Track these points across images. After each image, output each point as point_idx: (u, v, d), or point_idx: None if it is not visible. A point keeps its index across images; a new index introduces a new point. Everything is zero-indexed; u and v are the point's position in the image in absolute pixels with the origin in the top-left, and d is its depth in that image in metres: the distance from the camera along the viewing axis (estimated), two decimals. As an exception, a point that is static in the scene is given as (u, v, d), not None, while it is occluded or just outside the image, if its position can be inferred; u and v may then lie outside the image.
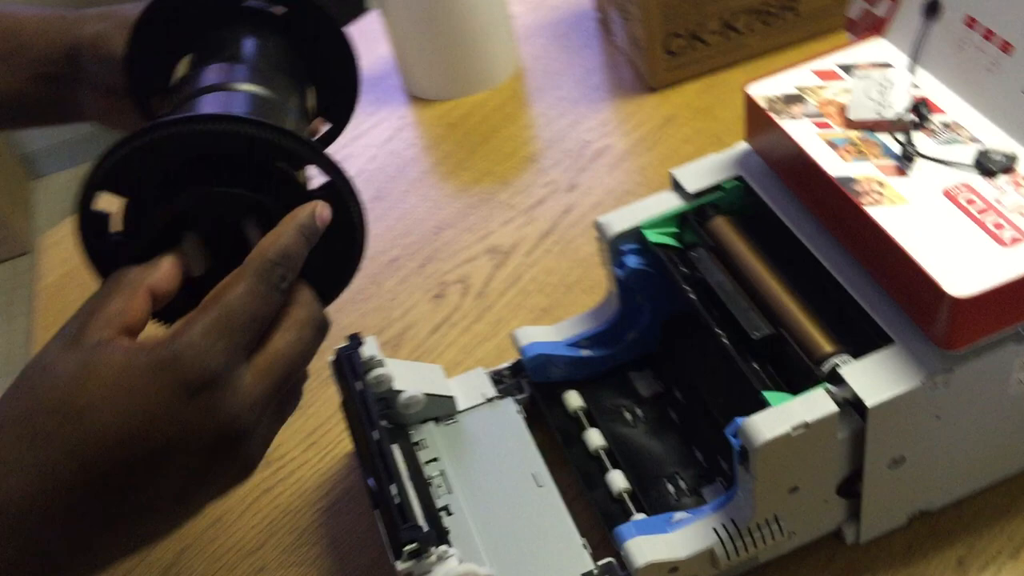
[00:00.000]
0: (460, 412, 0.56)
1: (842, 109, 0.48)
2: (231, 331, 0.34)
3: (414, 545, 0.42)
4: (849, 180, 0.45)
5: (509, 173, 0.77)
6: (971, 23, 0.47)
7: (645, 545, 0.46)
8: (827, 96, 0.49)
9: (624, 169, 0.75)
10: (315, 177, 0.40)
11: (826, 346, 0.45)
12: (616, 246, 0.53)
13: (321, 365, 0.63)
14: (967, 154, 0.45)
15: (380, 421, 0.49)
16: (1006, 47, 0.45)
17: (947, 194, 0.44)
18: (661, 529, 0.47)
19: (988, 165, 0.44)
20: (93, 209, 0.38)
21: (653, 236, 0.53)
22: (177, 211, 0.38)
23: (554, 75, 0.86)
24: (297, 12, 0.45)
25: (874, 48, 0.51)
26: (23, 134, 2.16)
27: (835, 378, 0.43)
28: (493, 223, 0.73)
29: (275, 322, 0.36)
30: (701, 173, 0.53)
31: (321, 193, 0.39)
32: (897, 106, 0.47)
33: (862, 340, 0.44)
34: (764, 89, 0.51)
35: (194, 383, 0.33)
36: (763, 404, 0.44)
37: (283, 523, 0.57)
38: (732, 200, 0.52)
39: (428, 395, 0.54)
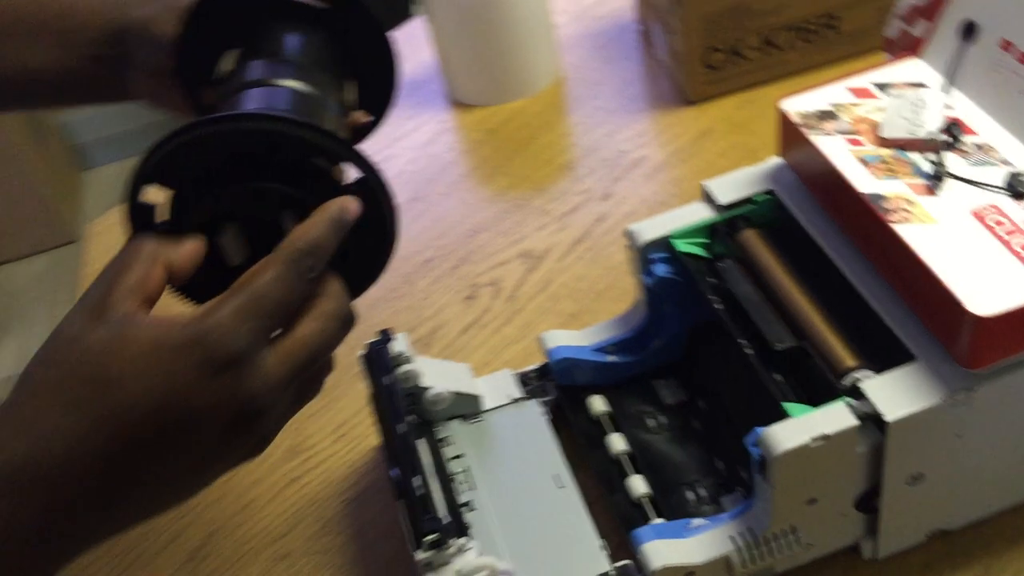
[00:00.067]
0: (486, 411, 0.57)
1: (875, 127, 0.49)
2: (257, 315, 0.35)
3: (434, 536, 0.43)
4: (878, 197, 0.46)
5: (545, 180, 0.78)
6: (1007, 46, 0.47)
7: (662, 548, 0.46)
8: (860, 114, 0.50)
9: (659, 180, 0.76)
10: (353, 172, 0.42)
11: (848, 360, 0.45)
12: (645, 254, 0.54)
13: (352, 360, 0.64)
14: (998, 176, 0.45)
15: (407, 416, 0.51)
16: (1041, 71, 0.46)
17: (976, 215, 0.44)
18: (679, 534, 0.47)
19: (1019, 187, 0.44)
20: (141, 200, 0.40)
21: (682, 246, 0.53)
22: (219, 204, 0.39)
23: (594, 85, 0.87)
24: (340, 8, 0.47)
25: (910, 68, 0.52)
26: (76, 126, 2.22)
27: (856, 392, 0.44)
28: (527, 228, 0.74)
29: (302, 311, 0.38)
30: (733, 186, 0.54)
31: (355, 189, 0.40)
32: (930, 126, 0.47)
33: (885, 356, 0.45)
34: (798, 105, 0.51)
35: (219, 361, 0.34)
36: (784, 415, 0.44)
37: (309, 512, 0.58)
38: (762, 213, 0.53)
39: (455, 393, 0.55)
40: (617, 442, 0.54)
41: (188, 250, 0.38)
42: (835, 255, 0.49)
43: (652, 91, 0.85)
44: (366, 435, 0.62)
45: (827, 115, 0.50)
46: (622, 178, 0.77)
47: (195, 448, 0.36)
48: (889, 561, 0.49)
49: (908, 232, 0.44)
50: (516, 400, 0.57)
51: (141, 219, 0.40)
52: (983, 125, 0.48)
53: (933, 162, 0.46)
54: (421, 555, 0.43)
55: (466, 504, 0.51)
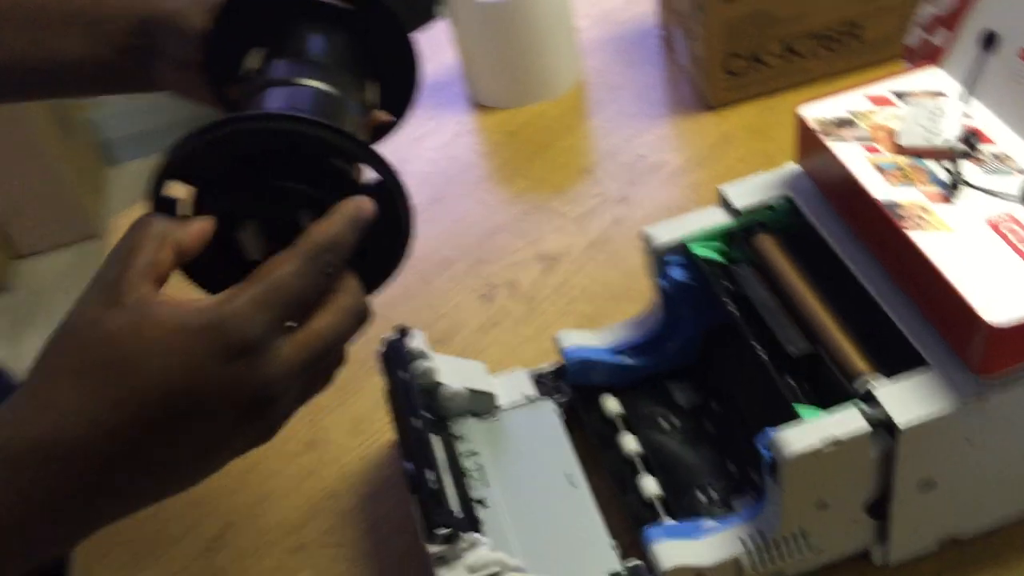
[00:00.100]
0: (500, 409, 0.57)
1: (892, 134, 0.49)
2: (274, 305, 0.36)
3: (447, 530, 0.44)
4: (894, 204, 0.46)
5: (564, 182, 0.79)
6: (1026, 56, 0.48)
7: (673, 549, 0.47)
8: (878, 121, 0.50)
9: (677, 184, 0.76)
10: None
11: (861, 365, 0.46)
12: (661, 257, 0.55)
13: (369, 355, 0.65)
14: (1014, 185, 0.45)
15: (422, 411, 0.51)
16: (1060, 81, 0.46)
17: (991, 223, 0.44)
18: (689, 535, 0.48)
19: (1035, 197, 0.45)
20: (163, 195, 0.41)
21: (698, 250, 0.54)
22: (240, 201, 0.40)
23: (614, 89, 0.87)
24: (363, 9, 0.48)
25: (929, 77, 0.52)
26: (103, 122, 2.24)
27: (869, 397, 0.44)
28: (545, 230, 0.75)
29: (319, 304, 0.39)
30: (750, 191, 0.54)
31: (373, 189, 0.41)
32: (947, 134, 0.48)
33: (898, 362, 0.45)
34: (816, 111, 0.52)
35: (235, 347, 0.35)
36: (795, 418, 0.45)
37: (325, 505, 0.59)
38: (779, 219, 0.53)
39: (470, 390, 0.55)
40: (630, 442, 0.55)
41: (196, 230, 0.39)
42: (850, 261, 0.49)
43: (673, 96, 0.85)
44: (382, 430, 0.62)
45: (845, 122, 0.51)
46: (640, 182, 0.77)
47: (208, 431, 0.37)
48: (900, 568, 0.49)
49: (923, 239, 0.44)
50: (530, 399, 0.58)
51: (164, 213, 0.41)
52: (1001, 134, 0.48)
53: (949, 170, 0.46)
54: (433, 549, 0.44)
55: (479, 500, 0.52)
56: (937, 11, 0.52)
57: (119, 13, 0.51)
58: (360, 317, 0.40)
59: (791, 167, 0.54)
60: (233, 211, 0.40)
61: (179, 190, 0.41)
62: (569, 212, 0.76)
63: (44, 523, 0.36)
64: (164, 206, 0.41)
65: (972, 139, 0.47)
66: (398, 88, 0.51)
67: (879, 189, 0.47)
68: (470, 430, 0.56)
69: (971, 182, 0.46)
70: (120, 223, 0.87)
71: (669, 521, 0.50)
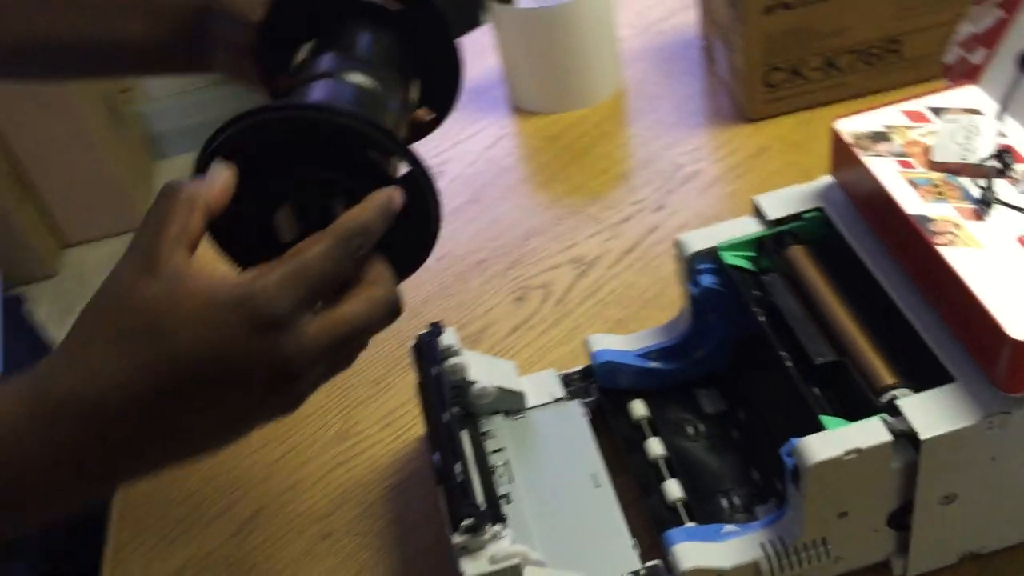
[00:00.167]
0: (529, 408, 0.58)
1: (927, 150, 0.50)
2: (302, 284, 0.38)
3: (471, 521, 0.45)
4: (926, 219, 0.46)
5: (600, 189, 0.80)
6: (1064, 77, 0.48)
7: (693, 551, 0.47)
8: (913, 137, 0.51)
9: (712, 194, 0.77)
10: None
11: (887, 378, 0.46)
12: (693, 264, 0.55)
13: (403, 352, 0.67)
14: (1047, 204, 0.46)
15: (452, 407, 0.52)
16: (1097, 103, 0.46)
17: (1022, 241, 0.44)
18: (710, 538, 0.48)
19: (1067, 217, 0.45)
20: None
21: (729, 258, 0.54)
22: (277, 186, 0.42)
23: (654, 98, 0.88)
24: (413, 9, 0.50)
25: (966, 94, 0.52)
26: (153, 116, 2.29)
27: (893, 409, 0.45)
28: (580, 235, 0.76)
29: (353, 292, 0.40)
30: (783, 202, 0.55)
31: (403, 182, 0.42)
32: (981, 152, 0.48)
33: (923, 375, 0.45)
34: (852, 125, 0.52)
35: (263, 321, 0.37)
36: (820, 428, 0.45)
37: (353, 495, 0.61)
38: (811, 230, 0.54)
39: (500, 388, 0.56)
40: (655, 446, 0.55)
41: (221, 183, 0.40)
42: (880, 274, 0.49)
43: (711, 107, 0.86)
44: (412, 425, 0.64)
45: (880, 136, 0.51)
46: (676, 191, 0.78)
47: (231, 399, 0.38)
48: (919, 580, 0.50)
49: (953, 255, 0.44)
50: (558, 399, 0.59)
51: None
52: (1036, 154, 0.48)
53: (982, 188, 0.47)
54: (457, 539, 0.45)
55: (504, 496, 0.53)
56: (976, 30, 0.52)
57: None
58: (390, 310, 0.42)
59: (825, 180, 0.55)
60: (271, 194, 0.42)
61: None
62: (605, 218, 0.77)
63: (69, 476, 0.38)
64: None
65: (1006, 157, 0.48)
66: (441, 88, 0.52)
67: (911, 204, 0.47)
68: (498, 427, 0.57)
69: (1004, 200, 0.46)
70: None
71: (691, 524, 0.51)
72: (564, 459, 0.56)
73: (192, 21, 0.53)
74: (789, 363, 0.49)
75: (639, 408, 0.58)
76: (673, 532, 0.49)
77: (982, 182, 0.47)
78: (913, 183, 0.48)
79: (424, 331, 0.56)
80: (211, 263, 0.39)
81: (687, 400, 0.59)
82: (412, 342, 0.57)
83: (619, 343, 0.59)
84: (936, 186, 0.48)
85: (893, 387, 0.46)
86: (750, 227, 0.55)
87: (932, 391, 0.44)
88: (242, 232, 0.43)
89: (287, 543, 0.59)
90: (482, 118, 0.90)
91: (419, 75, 0.51)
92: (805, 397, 0.47)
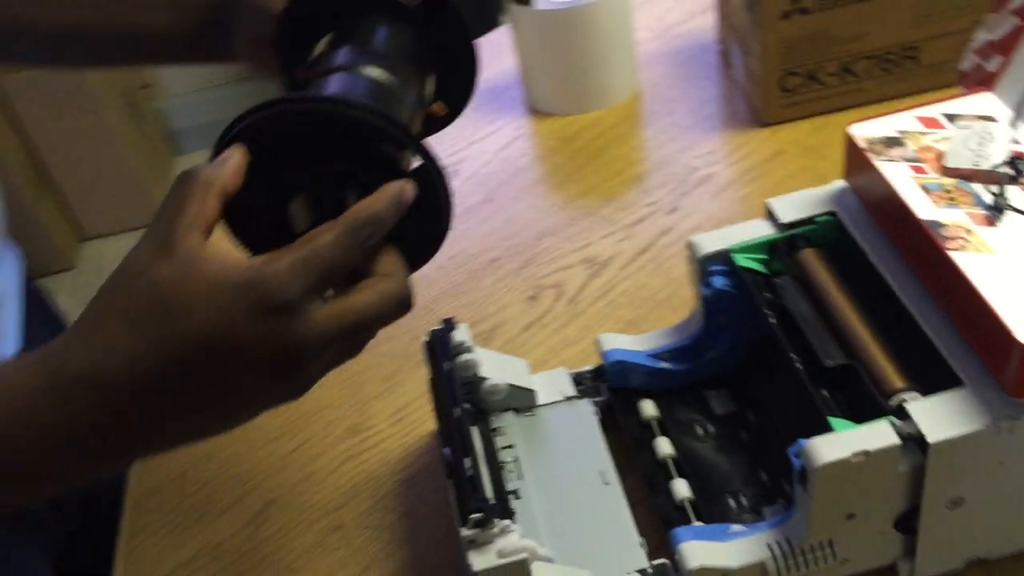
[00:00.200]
0: (539, 406, 0.59)
1: (940, 156, 0.50)
2: (312, 270, 0.39)
3: (480, 515, 0.45)
4: (937, 224, 0.47)
5: (614, 190, 0.80)
6: (1079, 85, 0.48)
7: (700, 550, 0.48)
8: (927, 142, 0.51)
9: (726, 198, 0.77)
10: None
11: (896, 381, 0.46)
12: (705, 266, 0.56)
13: (415, 348, 0.67)
14: (1059, 211, 0.46)
15: (463, 403, 0.53)
16: (1112, 111, 0.46)
17: (1033, 247, 0.45)
18: (717, 537, 0.49)
19: (1079, 224, 0.45)
20: None
21: (741, 260, 0.55)
22: (292, 177, 0.43)
23: (669, 101, 0.88)
24: (429, 5, 0.50)
25: (981, 101, 0.53)
26: (172, 112, 2.31)
27: (901, 413, 0.45)
28: (593, 235, 0.76)
29: (364, 284, 0.41)
30: (796, 205, 0.55)
31: (416, 175, 0.43)
32: (994, 158, 0.48)
33: (933, 379, 0.45)
34: (866, 130, 0.53)
35: (271, 305, 0.38)
36: (829, 429, 0.45)
37: (364, 488, 0.61)
38: (823, 234, 0.54)
39: (511, 386, 0.57)
40: (664, 446, 0.56)
41: (233, 164, 0.41)
42: (891, 278, 0.50)
43: (727, 111, 0.86)
44: (423, 420, 0.64)
45: (893, 141, 0.51)
46: (690, 193, 0.78)
47: (239, 381, 0.39)
48: (925, 584, 0.50)
49: (963, 260, 0.45)
50: (569, 398, 0.59)
51: None
52: (1050, 161, 0.48)
53: (995, 194, 0.47)
54: (466, 532, 0.46)
55: (513, 492, 0.53)
56: (992, 37, 0.52)
57: None
58: (400, 304, 0.42)
59: (838, 184, 0.55)
60: (285, 185, 0.43)
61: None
62: (618, 219, 0.77)
63: (81, 449, 0.39)
64: None
65: (1019, 164, 0.48)
66: (456, 84, 0.53)
67: (923, 208, 0.47)
68: (508, 424, 0.57)
69: (1016, 206, 0.46)
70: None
71: (698, 523, 0.51)
72: (573, 457, 0.56)
73: (217, 11, 0.55)
74: (799, 365, 0.49)
75: (649, 408, 0.58)
76: (680, 531, 0.49)
77: (994, 188, 0.47)
78: (925, 188, 0.49)
79: (437, 327, 0.57)
80: (225, 248, 0.40)
81: (697, 401, 0.59)
82: (425, 338, 0.57)
83: (630, 343, 0.59)
84: (948, 191, 0.48)
85: (902, 390, 0.46)
86: (763, 230, 0.56)
87: (941, 395, 0.44)
88: (257, 222, 0.43)
89: (298, 534, 0.60)
90: (498, 118, 0.90)
91: (435, 70, 0.52)
92: (814, 399, 0.48)
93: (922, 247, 0.47)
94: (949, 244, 0.46)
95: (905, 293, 0.49)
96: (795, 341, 0.50)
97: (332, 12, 0.51)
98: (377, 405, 0.66)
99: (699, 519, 0.52)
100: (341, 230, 0.40)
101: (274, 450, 0.65)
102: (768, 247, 0.55)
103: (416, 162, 0.44)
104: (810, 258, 0.53)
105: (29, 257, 0.73)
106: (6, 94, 1.92)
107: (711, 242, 0.56)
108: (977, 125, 0.50)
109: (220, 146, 0.42)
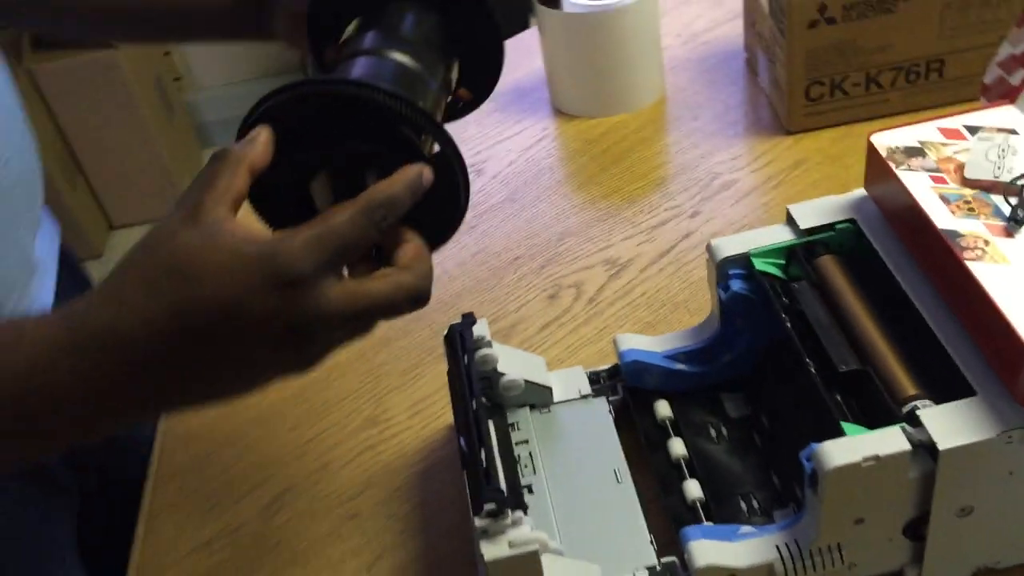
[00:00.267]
0: (555, 403, 0.59)
1: (960, 167, 0.50)
2: (326, 247, 0.40)
3: (493, 505, 0.46)
4: (955, 234, 0.47)
5: (637, 193, 0.81)
6: (1102, 100, 0.48)
7: (709, 548, 0.48)
8: (948, 153, 0.51)
9: (748, 204, 0.77)
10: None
11: (909, 388, 0.47)
12: (724, 269, 0.56)
13: (435, 342, 0.68)
14: (1078, 225, 0.46)
15: (480, 396, 0.54)
16: None
17: (1050, 260, 0.45)
18: (726, 537, 0.49)
19: (1097, 238, 0.45)
20: None
21: (760, 264, 0.55)
22: (315, 156, 0.44)
23: (695, 107, 0.89)
24: None
25: (1002, 114, 0.53)
26: (202, 105, 2.34)
27: (913, 419, 0.45)
28: (614, 237, 0.77)
29: (383, 272, 0.42)
30: (816, 212, 0.56)
31: (434, 159, 0.44)
32: (1015, 171, 0.48)
33: (945, 387, 0.46)
34: (888, 139, 0.53)
35: (284, 278, 0.39)
36: (841, 434, 0.46)
37: (381, 478, 0.62)
38: (842, 241, 0.55)
39: (528, 382, 0.58)
40: (678, 446, 0.56)
41: (261, 141, 0.42)
42: (908, 286, 0.50)
43: (752, 118, 0.87)
44: (441, 413, 0.65)
45: (914, 151, 0.52)
46: (712, 198, 0.79)
47: (247, 348, 0.40)
48: (933, 592, 0.50)
49: (980, 270, 0.45)
50: (585, 396, 0.60)
51: None
52: (1070, 175, 0.49)
53: (1013, 206, 0.47)
54: (479, 522, 0.46)
55: (527, 486, 0.54)
56: (1015, 52, 0.53)
57: None
58: (415, 298, 0.43)
59: (858, 192, 0.56)
60: (308, 163, 0.44)
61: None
62: (640, 222, 0.78)
63: (97, 404, 0.40)
64: None
65: (1039, 177, 0.48)
66: (481, 71, 0.54)
67: (942, 218, 0.48)
68: (524, 420, 0.58)
69: (1034, 218, 0.47)
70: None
71: (708, 524, 0.52)
72: (587, 454, 0.57)
73: None
74: (813, 370, 0.50)
75: (664, 408, 0.59)
76: (690, 529, 0.49)
77: (1013, 200, 0.48)
78: (944, 198, 0.49)
79: (457, 322, 0.58)
80: (247, 222, 0.41)
81: (712, 403, 0.59)
82: (445, 332, 0.58)
83: (647, 344, 0.60)
84: (967, 202, 0.48)
85: (915, 397, 0.46)
86: (782, 235, 0.56)
87: (953, 403, 0.45)
88: (280, 200, 0.45)
89: (314, 522, 0.61)
90: (524, 119, 0.91)
91: (460, 57, 0.53)
92: (827, 404, 0.48)
93: (939, 256, 0.47)
94: (966, 254, 0.46)
95: (921, 301, 0.49)
96: (810, 346, 0.51)
97: None
98: (396, 397, 0.67)
99: (710, 520, 0.52)
100: (357, 209, 0.41)
101: (293, 438, 0.66)
102: (787, 252, 0.55)
103: (437, 147, 0.45)
104: (828, 264, 0.54)
105: (59, 244, 0.75)
106: (40, 85, 1.95)
107: (731, 246, 0.56)
108: (998, 137, 0.51)
109: (246, 126, 0.44)
